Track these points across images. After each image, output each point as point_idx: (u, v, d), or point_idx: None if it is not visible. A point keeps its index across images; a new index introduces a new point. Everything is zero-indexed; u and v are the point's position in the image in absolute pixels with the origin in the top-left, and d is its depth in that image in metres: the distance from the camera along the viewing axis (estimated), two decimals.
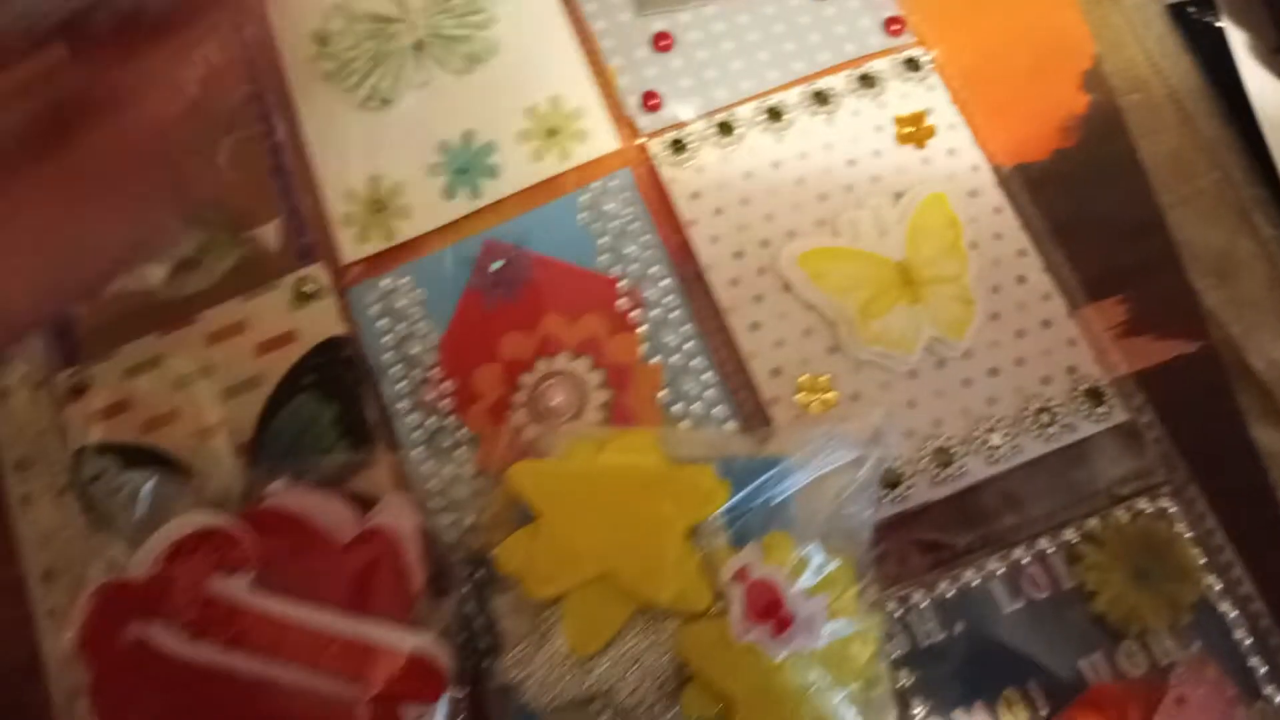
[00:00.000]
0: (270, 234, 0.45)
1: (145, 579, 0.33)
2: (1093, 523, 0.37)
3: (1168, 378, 0.39)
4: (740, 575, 0.31)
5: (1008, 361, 0.39)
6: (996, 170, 0.42)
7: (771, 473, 0.33)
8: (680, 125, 0.43)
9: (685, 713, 0.31)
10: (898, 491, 0.37)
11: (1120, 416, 0.39)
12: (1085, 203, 0.42)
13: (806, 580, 0.32)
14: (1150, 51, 0.45)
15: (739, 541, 0.32)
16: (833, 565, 0.32)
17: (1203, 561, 0.37)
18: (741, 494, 0.33)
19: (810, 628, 0.31)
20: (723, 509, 0.33)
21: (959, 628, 0.36)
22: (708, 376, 0.39)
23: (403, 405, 0.41)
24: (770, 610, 0.31)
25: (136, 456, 0.42)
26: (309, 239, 0.44)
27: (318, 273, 0.43)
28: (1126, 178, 0.43)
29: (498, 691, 0.34)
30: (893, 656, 0.36)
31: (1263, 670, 0.35)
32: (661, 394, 0.40)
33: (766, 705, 0.30)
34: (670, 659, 0.31)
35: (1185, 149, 0.44)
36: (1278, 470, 0.38)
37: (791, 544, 0.32)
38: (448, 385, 0.41)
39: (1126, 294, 0.41)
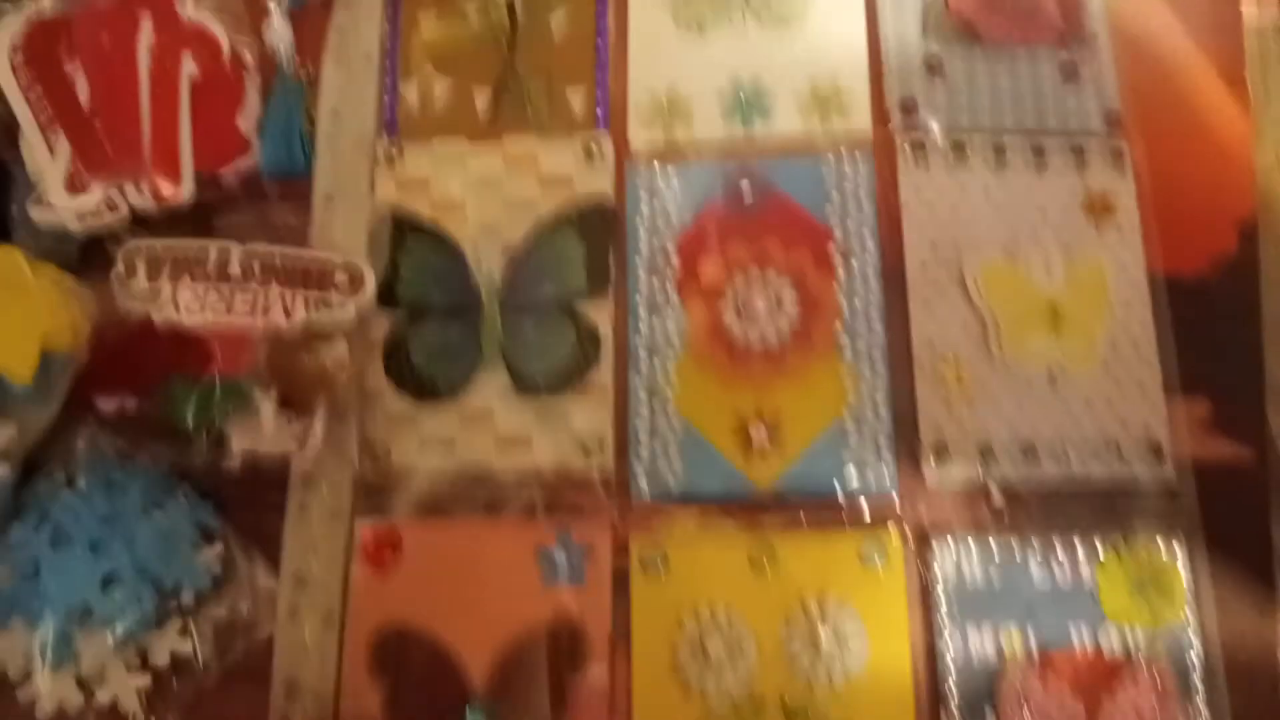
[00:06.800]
0: (578, 97, 0.58)
1: None
2: (1118, 539, 0.51)
3: (1219, 469, 0.52)
4: None
5: (1102, 401, 0.53)
6: (1149, 266, 0.55)
7: None
8: (925, 133, 0.56)
9: None
10: (990, 462, 0.51)
11: (1169, 475, 0.52)
12: (1208, 321, 0.54)
13: None
14: None
15: None
16: None
17: (1188, 597, 0.50)
18: None
19: None
20: None
21: (994, 577, 0.51)
22: (877, 327, 0.53)
23: (638, 265, 0.55)
24: None
25: (421, 228, 0.57)
26: (606, 113, 0.58)
27: (606, 140, 0.57)
28: (1246, 315, 0.55)
29: None
30: (939, 584, 0.50)
31: (1199, 686, 0.49)
32: (838, 328, 0.54)
33: None
34: None
35: None
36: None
37: None
38: (677, 264, 0.55)
39: (1215, 399, 0.53)
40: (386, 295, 0.55)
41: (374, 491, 0.54)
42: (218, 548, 0.52)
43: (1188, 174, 0.57)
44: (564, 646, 0.50)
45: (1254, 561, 0.51)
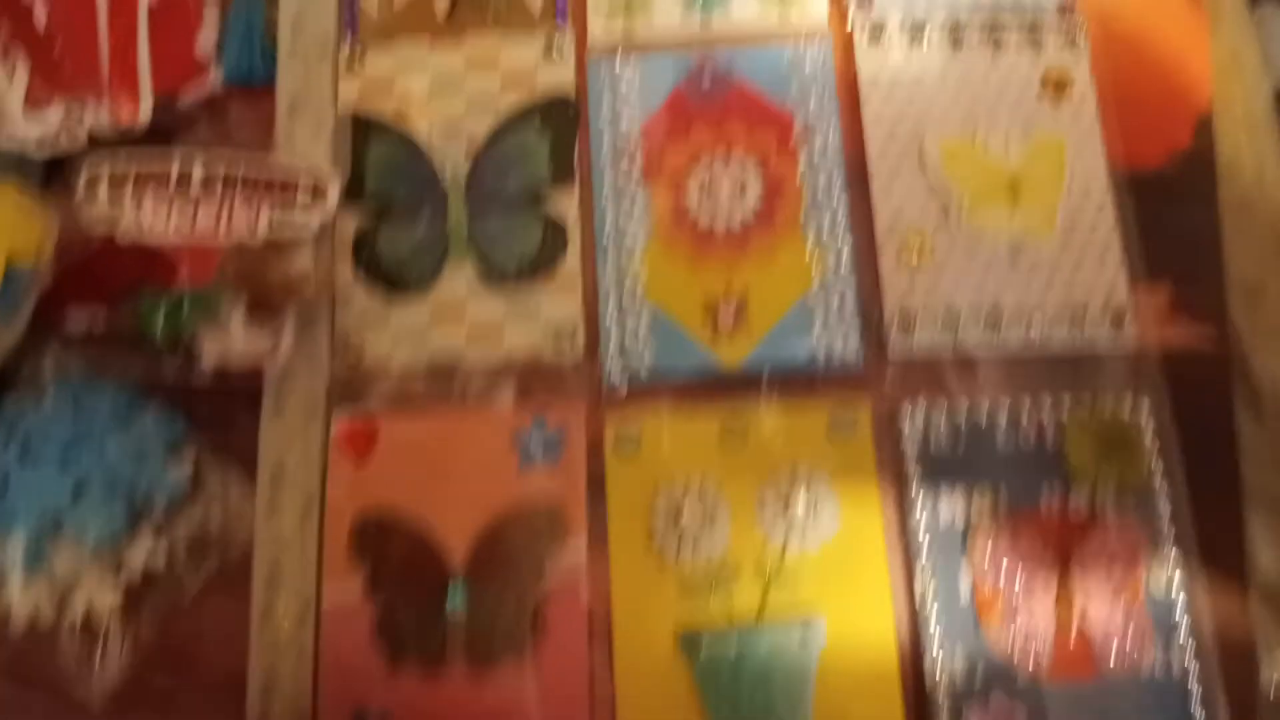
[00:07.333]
0: None
1: None
2: (1084, 407, 0.52)
3: (1183, 353, 0.53)
4: None
5: (1064, 272, 0.54)
6: (1109, 160, 0.56)
7: None
8: (882, 18, 0.57)
9: None
10: (955, 332, 0.52)
11: (1131, 341, 0.53)
12: (1167, 210, 0.55)
13: None
14: (1252, 121, 0.58)
15: None
16: None
17: (1154, 459, 0.51)
18: None
19: None
20: None
21: (962, 442, 0.51)
22: (841, 208, 0.54)
23: (602, 158, 0.56)
24: None
25: (384, 128, 0.57)
26: (565, 9, 0.58)
27: (566, 39, 0.58)
28: (1204, 206, 0.56)
29: None
30: (908, 451, 0.51)
31: (1168, 541, 0.50)
32: (802, 209, 0.54)
33: None
34: None
35: (1253, 202, 0.57)
36: (1242, 444, 0.52)
37: None
38: (642, 153, 0.56)
39: (1176, 285, 0.54)
40: (353, 195, 0.56)
41: (348, 386, 0.54)
42: (189, 460, 0.52)
43: (1144, 69, 0.58)
44: (542, 525, 0.51)
45: (1217, 432, 0.52)
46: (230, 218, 0.53)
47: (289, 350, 0.52)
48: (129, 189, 0.53)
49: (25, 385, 0.52)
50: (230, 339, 0.51)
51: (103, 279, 0.53)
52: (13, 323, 0.51)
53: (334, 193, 0.53)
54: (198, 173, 0.53)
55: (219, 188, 0.53)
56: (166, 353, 0.52)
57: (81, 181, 0.53)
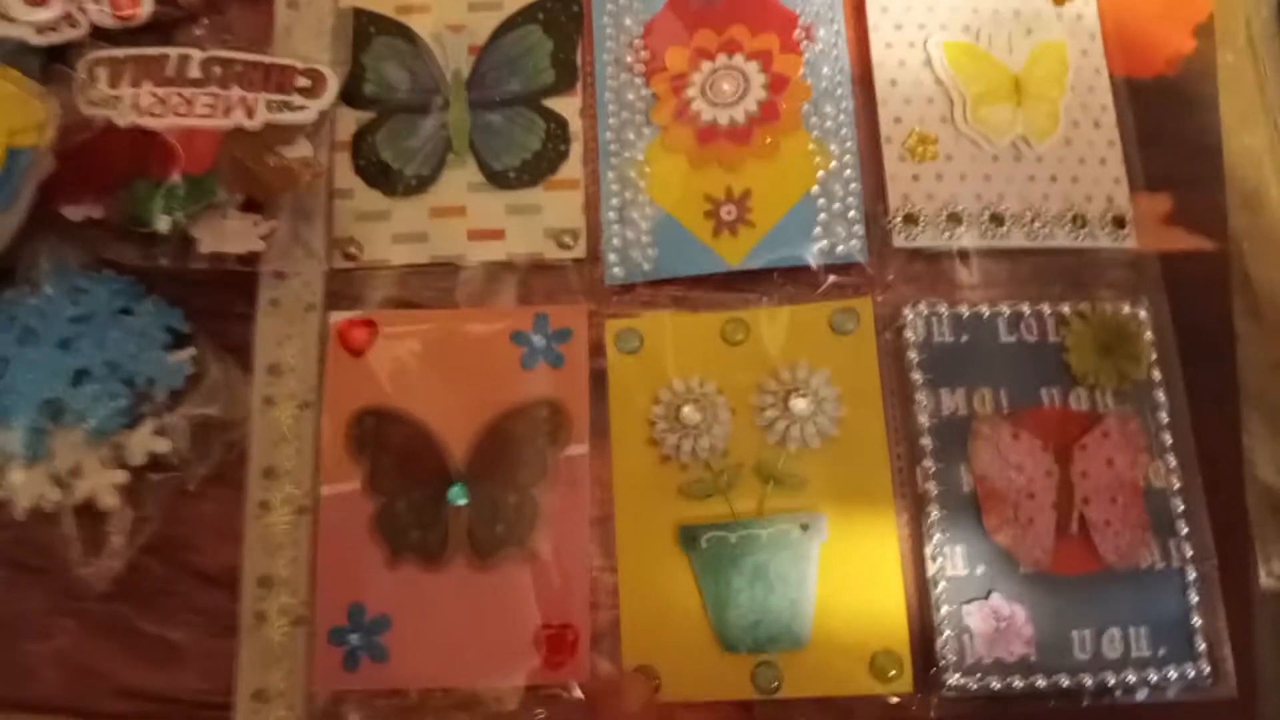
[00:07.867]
0: None
1: None
2: (1084, 305, 0.52)
3: (1182, 256, 0.54)
4: None
5: (1066, 174, 0.54)
6: (1110, 68, 0.56)
7: None
8: None
9: None
10: (957, 230, 0.52)
11: (1132, 244, 0.53)
12: (1168, 118, 0.56)
13: None
14: (1253, 29, 0.58)
15: None
16: None
17: (1153, 356, 0.51)
18: None
19: None
20: None
21: (964, 338, 0.51)
22: (845, 104, 0.54)
23: (606, 58, 0.56)
24: None
25: (387, 31, 0.56)
26: None
27: None
28: (1205, 112, 0.57)
29: None
30: (911, 349, 0.51)
31: (1167, 438, 0.50)
32: (805, 106, 0.54)
33: None
34: None
35: (1253, 110, 0.57)
36: (1241, 349, 0.53)
37: None
38: (645, 54, 0.55)
39: (1176, 191, 0.54)
40: (353, 93, 0.55)
41: (347, 284, 0.54)
42: (190, 349, 0.51)
43: None
44: (544, 422, 0.50)
45: (1216, 334, 0.53)
46: (227, 106, 0.52)
47: (285, 240, 0.52)
48: (127, 77, 0.52)
49: (23, 276, 0.52)
50: (226, 227, 0.51)
51: (99, 169, 0.52)
52: (14, 206, 0.50)
53: (333, 82, 0.53)
54: (196, 63, 0.52)
55: (217, 78, 0.52)
56: (163, 241, 0.51)
57: (80, 70, 0.52)
